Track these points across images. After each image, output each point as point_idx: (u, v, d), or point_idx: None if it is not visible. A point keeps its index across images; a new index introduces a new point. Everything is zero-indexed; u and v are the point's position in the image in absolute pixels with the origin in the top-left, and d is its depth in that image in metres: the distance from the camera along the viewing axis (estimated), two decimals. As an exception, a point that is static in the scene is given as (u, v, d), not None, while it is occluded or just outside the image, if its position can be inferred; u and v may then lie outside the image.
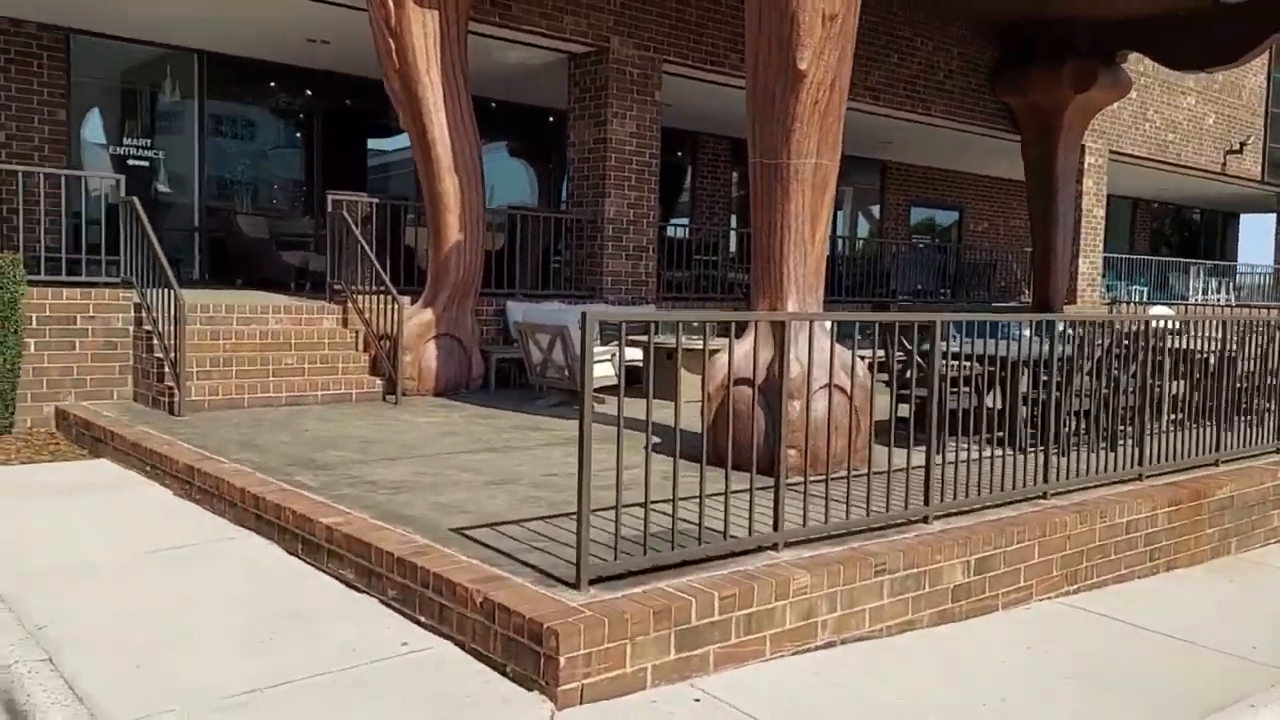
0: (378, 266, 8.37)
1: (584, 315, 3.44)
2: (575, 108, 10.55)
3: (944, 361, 5.01)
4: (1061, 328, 5.83)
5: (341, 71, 11.80)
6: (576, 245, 10.50)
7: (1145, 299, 18.36)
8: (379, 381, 8.32)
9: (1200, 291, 20.36)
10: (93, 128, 10.89)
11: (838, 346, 5.26)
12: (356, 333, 8.64)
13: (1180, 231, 25.40)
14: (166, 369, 7.22)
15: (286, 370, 7.99)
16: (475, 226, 8.62)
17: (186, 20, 9.85)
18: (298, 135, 12.64)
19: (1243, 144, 18.35)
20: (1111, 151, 15.71)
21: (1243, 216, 26.63)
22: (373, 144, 13.38)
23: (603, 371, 8.17)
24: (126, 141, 10.99)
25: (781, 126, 5.45)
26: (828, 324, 4.91)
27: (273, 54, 11.19)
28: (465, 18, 8.43)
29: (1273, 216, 24.24)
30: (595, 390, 8.26)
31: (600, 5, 9.94)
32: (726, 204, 16.24)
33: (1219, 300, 20.30)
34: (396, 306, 8.17)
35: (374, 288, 8.49)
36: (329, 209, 8.87)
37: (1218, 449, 5.86)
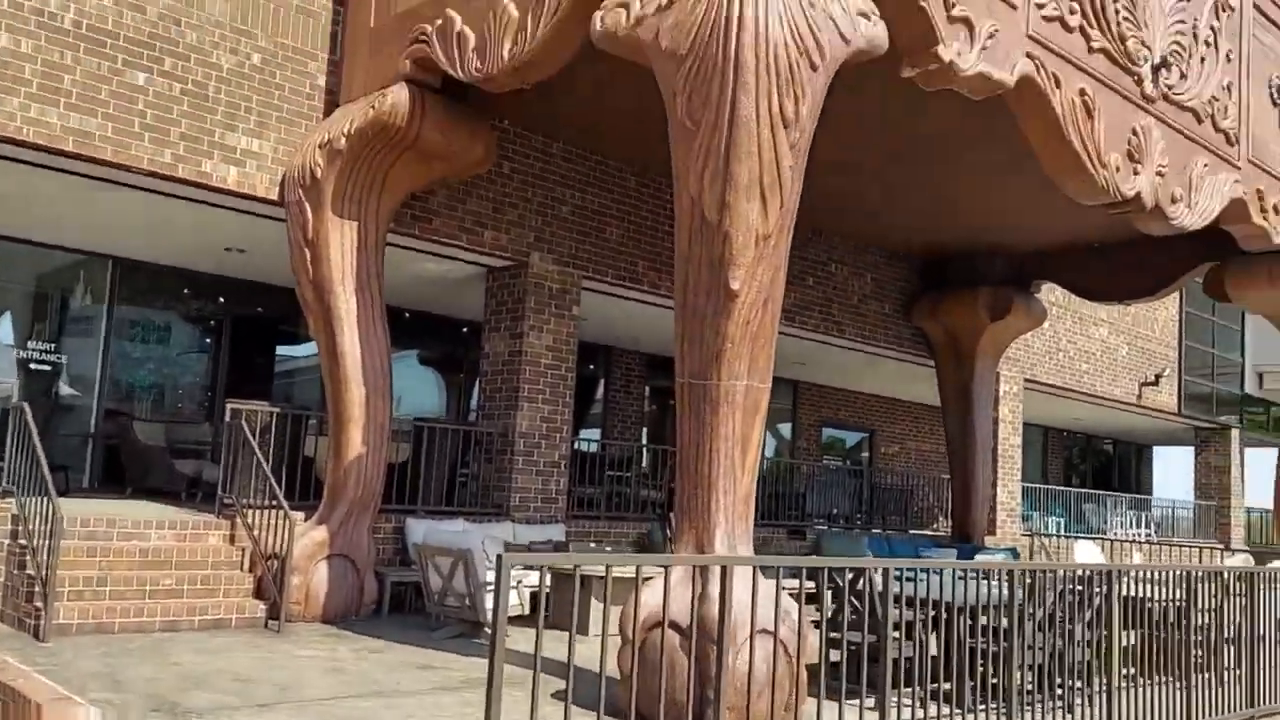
0: (271, 480, 7.63)
1: (499, 559, 2.86)
2: (491, 319, 10.27)
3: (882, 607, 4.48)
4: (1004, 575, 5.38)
5: (255, 279, 11.49)
6: (485, 460, 9.89)
7: (1062, 531, 18.31)
8: (262, 606, 7.39)
9: (1120, 526, 20.45)
10: (2, 331, 10.53)
11: (769, 584, 4.72)
12: (243, 550, 7.77)
13: (1092, 461, 25.96)
14: (37, 588, 6.46)
15: (164, 592, 7.18)
16: (379, 439, 8.01)
17: (106, 228, 9.57)
18: (207, 341, 12.26)
19: (1158, 376, 18.86)
20: (1026, 380, 16.04)
21: (1156, 448, 27.31)
22: (282, 350, 13.01)
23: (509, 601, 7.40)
24: (32, 345, 10.56)
25: (712, 347, 5.14)
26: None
27: (188, 261, 10.96)
28: (385, 229, 8.20)
29: (1186, 449, 24.81)
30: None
31: (522, 222, 9.87)
32: (639, 418, 15.97)
33: (1139, 535, 20.39)
34: (288, 523, 7.35)
35: (267, 502, 7.72)
36: (227, 418, 8.21)
37: (1188, 716, 5.34)
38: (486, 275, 10.41)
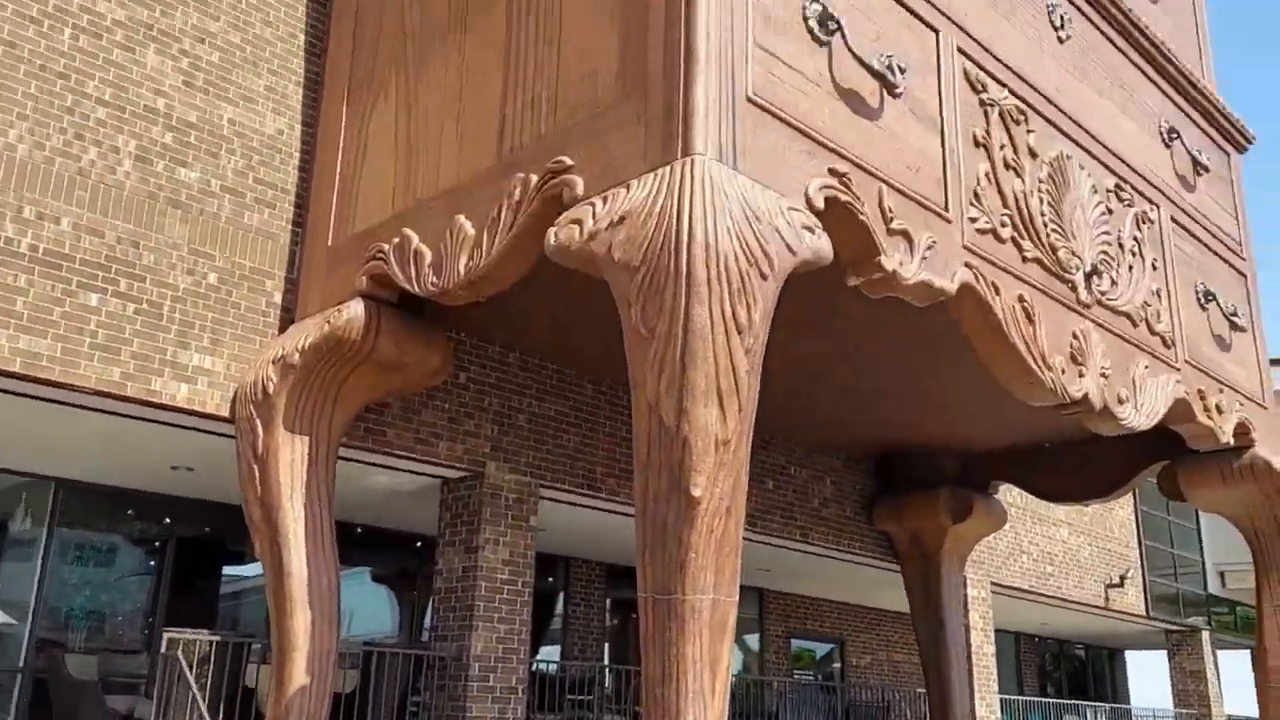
0: (206, 717, 7.00)
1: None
2: (446, 533, 9.94)
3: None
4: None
5: (202, 498, 11.17)
6: (438, 686, 9.27)
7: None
8: None
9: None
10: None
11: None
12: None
13: (1066, 667, 25.21)
14: None
15: None
16: (324, 668, 7.48)
17: (50, 450, 9.34)
18: (150, 563, 11.71)
19: (1123, 577, 18.72)
20: (993, 584, 15.76)
21: (1129, 653, 26.71)
22: (229, 570, 12.47)
23: None
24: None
25: (675, 558, 4.94)
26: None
27: (133, 482, 10.65)
28: (336, 443, 8.03)
29: (1159, 653, 24.23)
30: None
31: (478, 432, 9.77)
32: (600, 633, 15.29)
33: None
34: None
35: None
36: (163, 648, 7.67)
37: None
38: (441, 487, 10.17)
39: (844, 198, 6.20)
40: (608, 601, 15.64)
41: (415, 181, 7.60)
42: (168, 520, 11.48)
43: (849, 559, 13.93)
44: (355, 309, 7.44)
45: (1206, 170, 10.24)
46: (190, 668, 7.40)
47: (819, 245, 5.86)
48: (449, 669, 9.27)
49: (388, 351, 7.65)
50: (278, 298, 8.40)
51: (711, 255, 5.34)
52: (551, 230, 5.97)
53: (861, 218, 6.26)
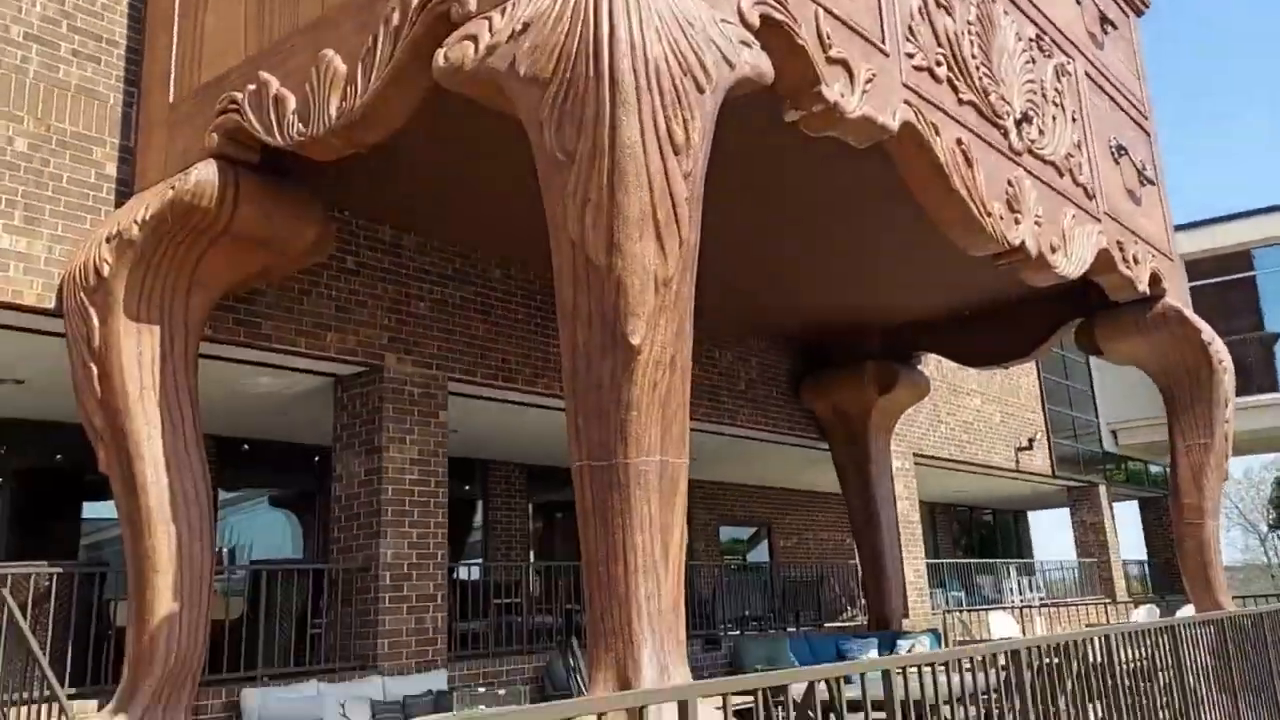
0: (41, 662, 5.91)
1: None
2: (343, 435, 8.92)
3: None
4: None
5: (43, 418, 9.70)
6: (344, 603, 8.37)
7: (963, 605, 17.84)
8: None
9: (1012, 592, 20.23)
10: None
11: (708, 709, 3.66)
12: (13, 762, 6.01)
13: (975, 533, 26.01)
14: None
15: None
16: (199, 592, 6.46)
17: None
18: (-17, 502, 10.15)
19: (1031, 440, 19.16)
20: (915, 455, 15.69)
21: (1031, 513, 27.84)
22: (91, 511, 10.89)
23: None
24: None
25: (614, 419, 4.12)
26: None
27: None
28: (197, 337, 6.83)
29: (1059, 511, 25.37)
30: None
31: (371, 321, 8.70)
32: (524, 539, 14.60)
33: (1034, 599, 20.20)
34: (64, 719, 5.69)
35: (43, 694, 6.01)
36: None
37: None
38: (334, 386, 9.11)
39: (779, 16, 5.45)
40: (530, 505, 14.94)
41: (270, 19, 6.37)
42: (2, 449, 9.95)
43: (776, 440, 13.49)
44: (206, 171, 6.21)
45: (1114, 27, 10.27)
46: (25, 607, 6.28)
47: (759, 62, 5.07)
48: (355, 583, 8.38)
49: (251, 223, 6.47)
50: (110, 169, 7.05)
51: (639, 58, 4.40)
52: (440, 51, 4.95)
53: (800, 42, 5.57)
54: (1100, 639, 4.06)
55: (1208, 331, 10.03)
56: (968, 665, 4.17)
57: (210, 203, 6.24)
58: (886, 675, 2.79)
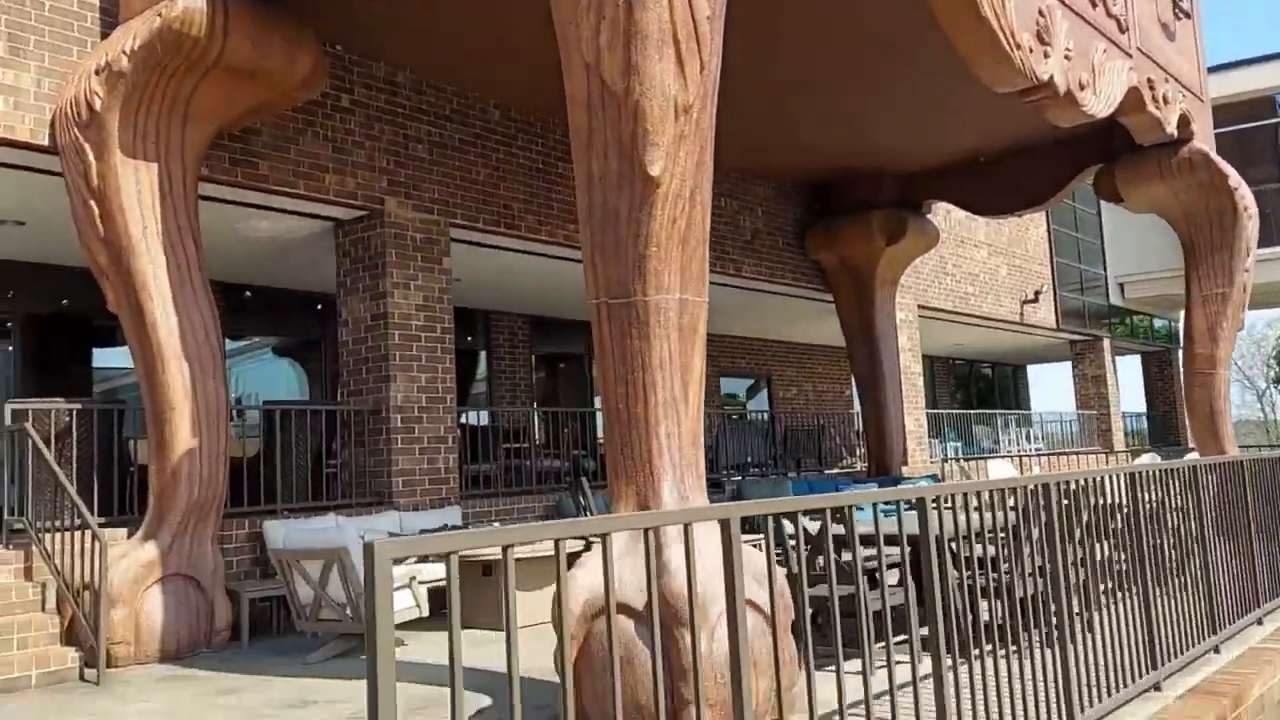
0: (71, 491, 6.05)
1: (367, 548, 1.70)
2: (346, 281, 8.82)
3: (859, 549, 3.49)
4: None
5: (49, 262, 9.55)
6: (357, 443, 8.48)
7: (960, 455, 18.16)
8: (74, 654, 5.86)
9: (1013, 442, 20.57)
10: None
11: (743, 543, 3.69)
12: (43, 586, 6.19)
13: (974, 386, 26.27)
14: None
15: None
16: (216, 427, 6.53)
17: None
18: (-4, 348, 10.11)
19: (1037, 293, 19.04)
20: (920, 306, 15.63)
21: (1030, 367, 28.02)
22: (102, 358, 10.85)
23: (400, 603, 6.16)
24: None
25: (633, 253, 4.01)
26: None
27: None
28: (194, 175, 6.66)
29: (1059, 365, 25.50)
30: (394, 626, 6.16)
31: (369, 163, 8.45)
32: (528, 389, 14.70)
33: (1031, 449, 20.57)
34: (97, 545, 5.84)
35: (73, 522, 6.15)
36: (7, 421, 6.55)
37: (1214, 629, 4.58)
38: (335, 230, 8.94)
39: None
40: (533, 356, 14.98)
41: None
42: (10, 293, 9.82)
43: (780, 292, 13.38)
44: (193, -4, 5.90)
45: None
46: (48, 442, 6.35)
47: None
48: (367, 424, 8.47)
49: (242, 53, 6.18)
50: (94, -2, 6.69)
51: None
52: None
53: None
54: (1116, 477, 4.09)
55: (1234, 176, 9.78)
56: (995, 499, 4.18)
57: (199, 31, 5.94)
58: (922, 503, 2.79)
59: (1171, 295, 22.77)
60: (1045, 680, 3.20)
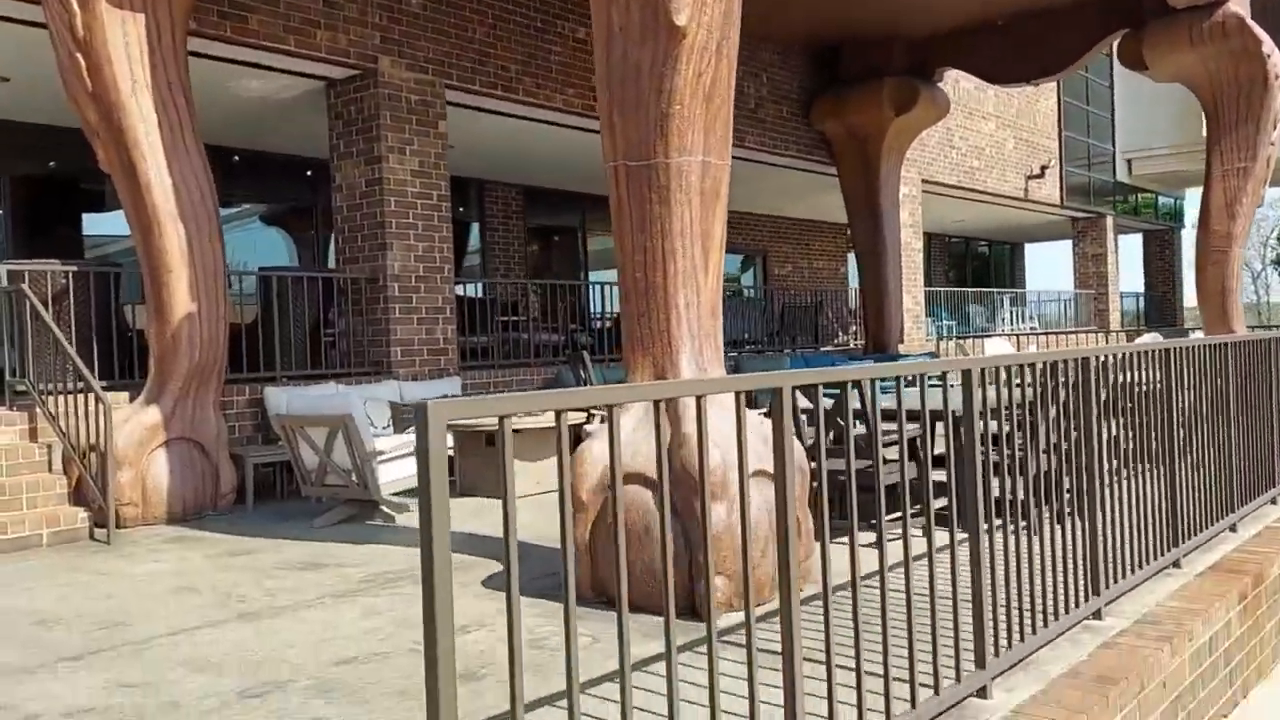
0: (72, 353, 5.95)
1: (420, 409, 1.60)
2: (340, 144, 8.52)
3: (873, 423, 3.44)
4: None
5: (36, 121, 9.17)
6: (355, 312, 8.36)
7: (955, 333, 18.14)
8: (83, 515, 5.89)
9: (1009, 321, 20.56)
10: None
11: (755, 415, 3.65)
12: (49, 447, 6.16)
13: (971, 264, 26.09)
14: None
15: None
16: (213, 291, 6.40)
17: None
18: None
19: (1044, 168, 18.69)
20: (924, 180, 15.32)
21: (1027, 245, 27.76)
22: (93, 224, 10.58)
23: (403, 471, 6.18)
24: None
25: (655, 110, 3.81)
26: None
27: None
28: (183, 28, 6.31)
29: (1055, 244, 25.20)
30: (396, 494, 6.20)
31: (361, 19, 8.03)
32: (522, 261, 14.49)
33: (1026, 329, 20.58)
34: (102, 407, 5.78)
35: (75, 385, 6.07)
36: (3, 282, 6.38)
37: (1230, 508, 4.61)
38: (327, 91, 8.58)
39: None
40: (528, 227, 14.69)
41: None
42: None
43: (783, 164, 13.05)
44: None
45: None
46: (45, 303, 6.21)
47: None
48: (365, 292, 8.33)
49: (227, -110, 5.75)
50: None
51: None
52: None
53: None
54: (1128, 355, 4.02)
55: (1269, 43, 9.44)
56: (1036, 373, 4.11)
57: None
58: (968, 375, 2.71)
59: (1180, 171, 22.40)
60: (1073, 555, 3.20)
